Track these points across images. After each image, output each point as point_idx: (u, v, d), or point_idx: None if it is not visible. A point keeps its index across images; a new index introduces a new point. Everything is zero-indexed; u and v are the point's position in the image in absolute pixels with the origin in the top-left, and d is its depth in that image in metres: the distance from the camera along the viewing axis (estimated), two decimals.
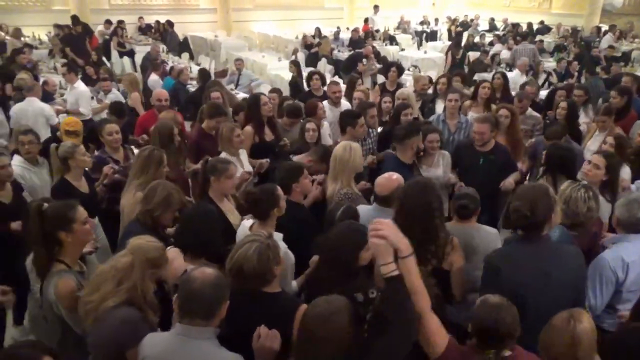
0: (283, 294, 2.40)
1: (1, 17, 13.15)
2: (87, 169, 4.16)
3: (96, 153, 4.53)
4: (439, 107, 6.19)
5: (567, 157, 3.97)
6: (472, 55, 11.98)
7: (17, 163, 4.24)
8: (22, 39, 12.20)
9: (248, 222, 3.15)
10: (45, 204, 2.62)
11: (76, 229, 2.57)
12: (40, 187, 4.31)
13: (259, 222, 3.04)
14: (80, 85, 7.36)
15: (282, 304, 2.30)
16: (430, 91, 6.96)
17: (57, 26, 12.87)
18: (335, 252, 2.47)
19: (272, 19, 18.42)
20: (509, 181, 4.35)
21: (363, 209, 3.32)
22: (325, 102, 5.82)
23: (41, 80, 8.18)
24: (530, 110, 5.88)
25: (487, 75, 8.91)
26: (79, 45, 11.48)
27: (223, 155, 4.28)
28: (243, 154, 4.59)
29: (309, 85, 7.03)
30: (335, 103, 5.90)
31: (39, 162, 4.42)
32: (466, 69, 10.95)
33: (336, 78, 9.10)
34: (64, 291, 2.47)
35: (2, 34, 12.26)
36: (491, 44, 14.13)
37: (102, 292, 2.23)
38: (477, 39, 14.50)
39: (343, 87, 6.64)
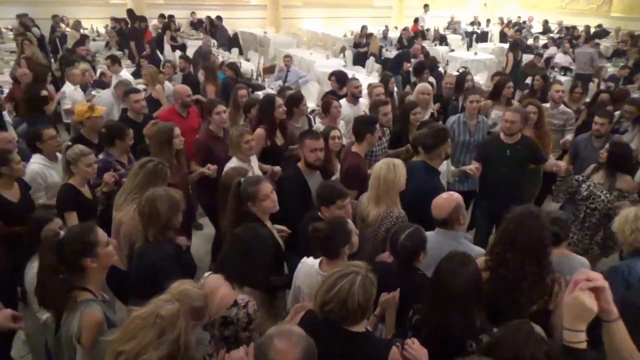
0: (370, 334, 2.18)
1: (62, 9, 13.76)
2: None
3: (100, 156, 4.13)
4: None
5: (628, 155, 4.16)
6: (525, 57, 11.65)
7: (36, 161, 4.11)
8: (81, 31, 12.67)
9: (310, 259, 2.81)
10: (62, 232, 2.38)
11: (100, 253, 2.35)
12: (59, 184, 4.03)
13: (326, 259, 2.69)
14: (125, 73, 7.86)
15: (373, 346, 2.09)
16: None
17: (114, 19, 13.36)
18: (461, 293, 2.15)
19: (320, 16, 18.54)
20: (561, 163, 4.59)
21: (428, 236, 2.88)
22: (343, 100, 5.68)
23: (98, 71, 8.50)
24: (562, 106, 5.91)
25: None
26: (139, 39, 11.96)
27: (233, 160, 4.14)
28: (253, 159, 4.39)
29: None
30: (354, 100, 5.77)
31: (57, 158, 4.24)
32: None
33: None
34: (90, 324, 2.20)
35: (63, 26, 12.83)
36: (545, 46, 13.72)
37: (139, 341, 1.85)
38: (530, 42, 14.10)
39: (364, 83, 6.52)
